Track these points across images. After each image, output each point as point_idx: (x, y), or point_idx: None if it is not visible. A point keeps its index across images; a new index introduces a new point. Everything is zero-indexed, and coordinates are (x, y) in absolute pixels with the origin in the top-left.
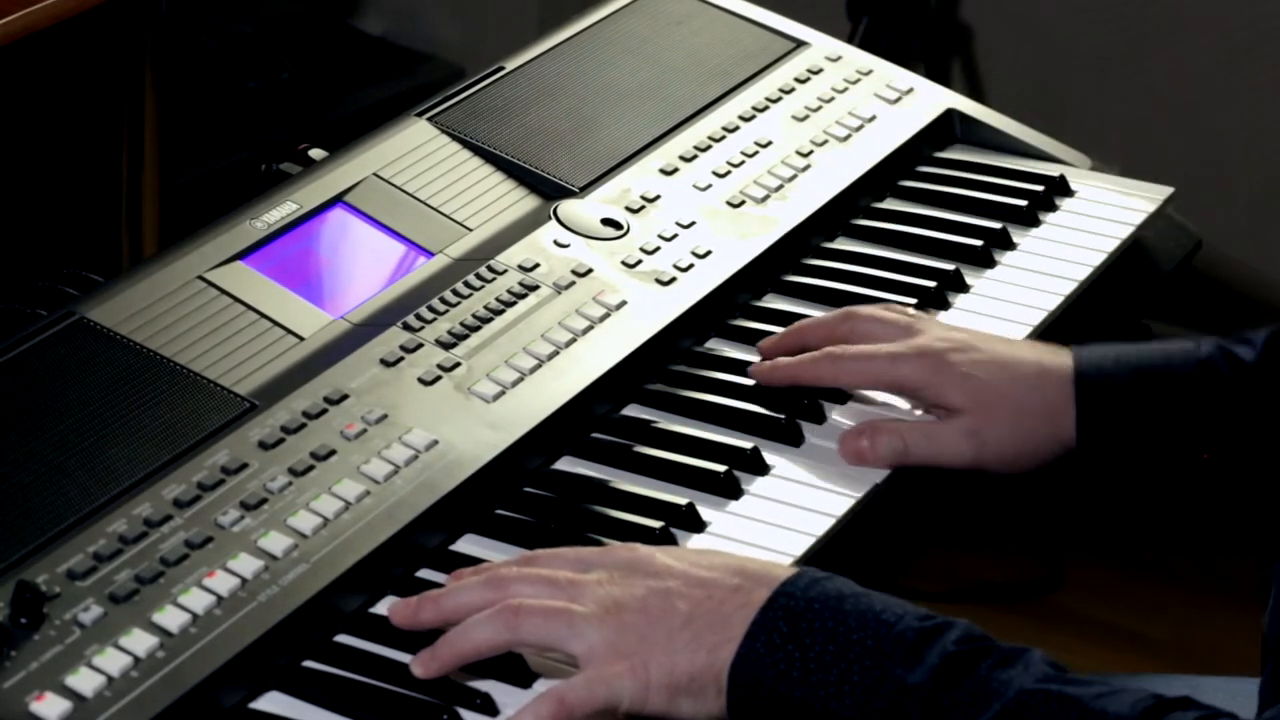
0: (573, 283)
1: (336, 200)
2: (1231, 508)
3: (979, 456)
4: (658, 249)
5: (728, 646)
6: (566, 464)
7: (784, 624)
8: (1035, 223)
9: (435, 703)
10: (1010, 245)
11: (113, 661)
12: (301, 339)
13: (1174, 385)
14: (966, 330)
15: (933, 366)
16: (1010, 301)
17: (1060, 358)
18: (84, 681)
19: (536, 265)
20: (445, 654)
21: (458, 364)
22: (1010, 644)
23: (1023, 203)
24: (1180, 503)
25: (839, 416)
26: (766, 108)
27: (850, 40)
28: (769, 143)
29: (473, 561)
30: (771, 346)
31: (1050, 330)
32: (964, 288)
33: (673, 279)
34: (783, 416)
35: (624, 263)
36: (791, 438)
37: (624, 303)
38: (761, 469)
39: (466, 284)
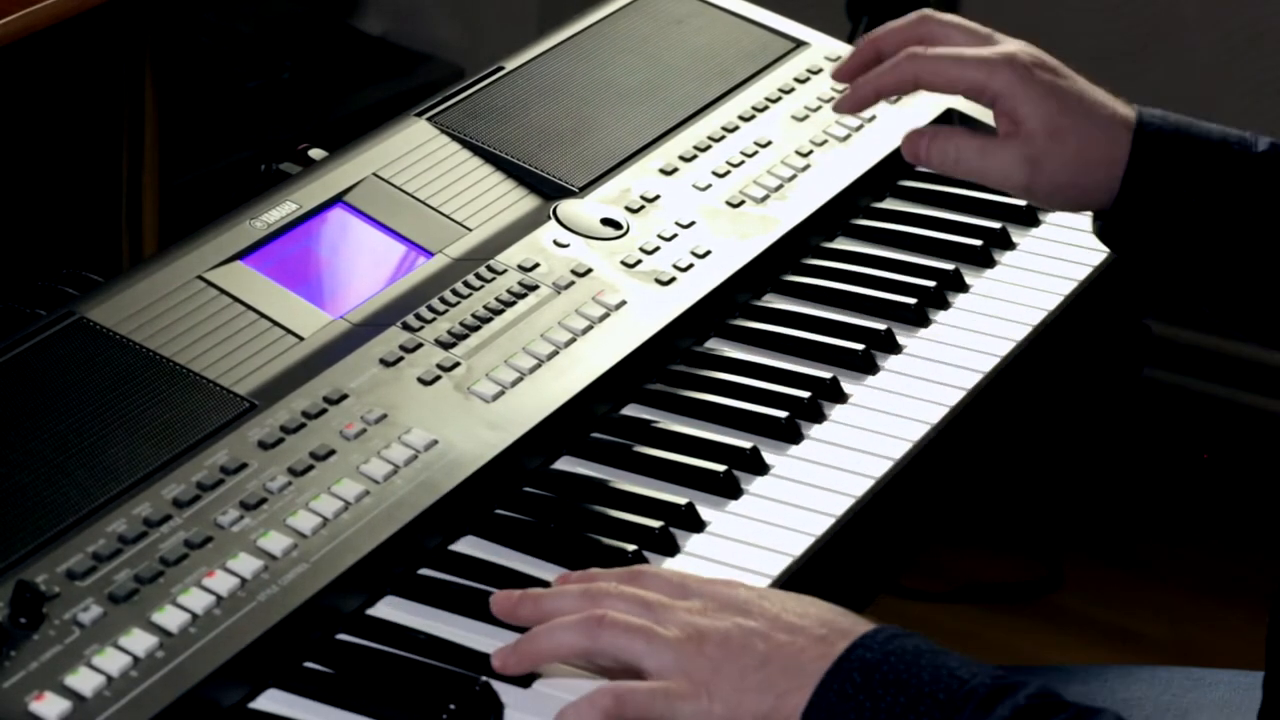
0: (572, 283)
1: (336, 200)
2: (1236, 503)
3: (1030, 183)
4: (657, 249)
5: (798, 694)
6: (566, 464)
7: (858, 674)
8: (1035, 222)
9: (435, 701)
10: (1010, 245)
11: (112, 661)
12: (301, 339)
13: (1224, 163)
14: (1046, 52)
15: (1020, 77)
16: (1010, 301)
17: (1131, 110)
18: (83, 681)
19: (536, 265)
20: (527, 651)
21: (457, 364)
22: (1085, 704)
23: (1022, 202)
24: (1180, 502)
25: (839, 416)
26: (766, 108)
27: (850, 40)
28: (769, 143)
29: (473, 561)
30: (846, 67)
31: (1050, 330)
32: (964, 287)
33: (672, 279)
34: (783, 415)
35: (624, 263)
36: (791, 436)
37: (624, 303)
38: (761, 469)
39: (466, 284)
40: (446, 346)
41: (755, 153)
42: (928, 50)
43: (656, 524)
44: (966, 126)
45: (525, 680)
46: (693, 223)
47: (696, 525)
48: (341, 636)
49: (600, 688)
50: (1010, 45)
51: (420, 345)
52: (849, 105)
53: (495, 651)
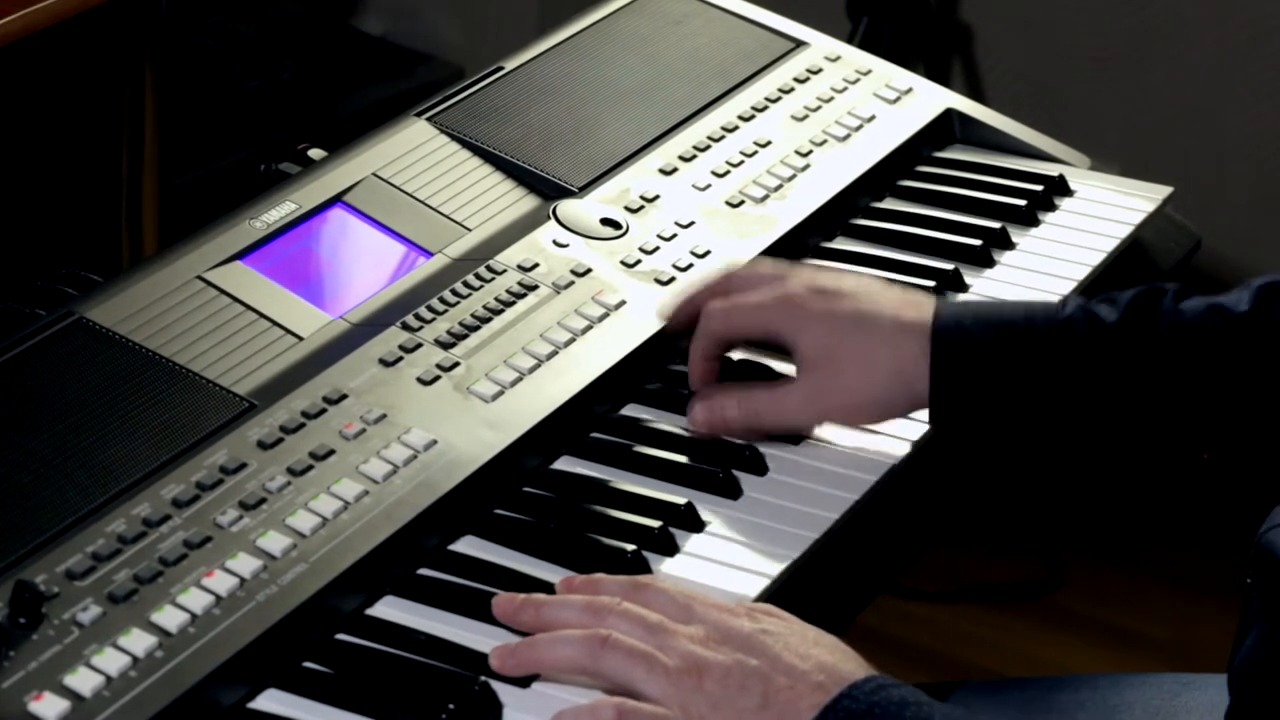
0: (572, 282)
1: (336, 200)
2: (1236, 503)
3: (822, 416)
4: (657, 249)
5: None
6: (566, 464)
7: None
8: (1035, 222)
9: (435, 702)
10: (1010, 245)
11: (111, 661)
12: (301, 339)
13: (1032, 344)
14: (839, 275)
15: (791, 313)
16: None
17: (921, 312)
18: (83, 681)
19: (536, 265)
20: (526, 658)
21: (457, 364)
22: None
23: (1022, 202)
24: (1180, 502)
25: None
26: (766, 108)
27: (850, 40)
28: (768, 143)
29: (472, 561)
30: (674, 320)
31: None
32: (963, 287)
33: (672, 279)
34: None
35: (623, 262)
36: (791, 436)
37: (623, 302)
38: (761, 469)
39: (466, 284)
40: (446, 346)
41: (755, 153)
42: (713, 308)
43: (656, 524)
44: (758, 382)
45: (524, 680)
46: (692, 223)
47: (696, 525)
48: (341, 636)
49: (603, 699)
50: (791, 281)
51: (420, 345)
52: (671, 323)
53: (494, 649)
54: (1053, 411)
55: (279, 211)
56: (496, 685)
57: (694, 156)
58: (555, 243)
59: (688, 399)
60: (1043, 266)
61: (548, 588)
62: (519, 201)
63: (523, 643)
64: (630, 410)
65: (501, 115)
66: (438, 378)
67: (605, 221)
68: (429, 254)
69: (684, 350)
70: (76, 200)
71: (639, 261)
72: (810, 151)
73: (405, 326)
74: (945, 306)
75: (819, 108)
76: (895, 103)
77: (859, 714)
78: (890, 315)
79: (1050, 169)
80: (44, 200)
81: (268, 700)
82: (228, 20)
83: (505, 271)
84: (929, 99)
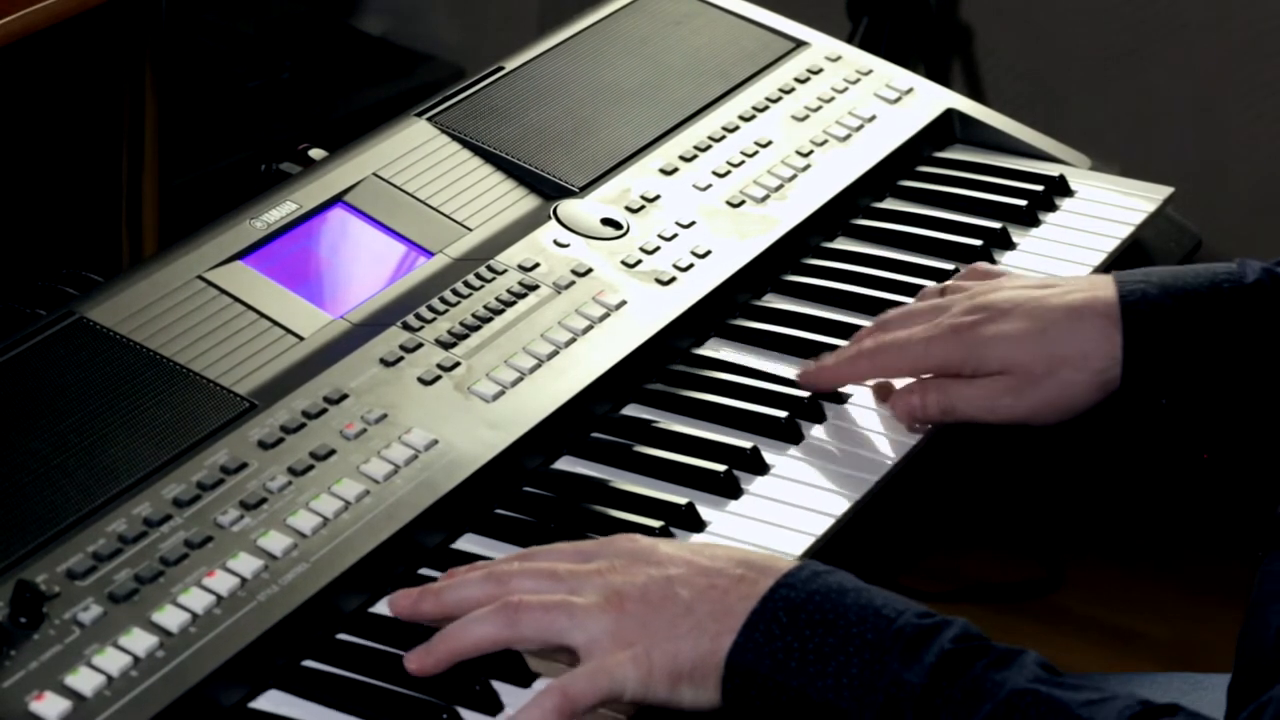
0: (572, 282)
1: (336, 200)
2: (1236, 503)
3: (1014, 414)
4: (657, 249)
5: (729, 635)
6: (566, 464)
7: (784, 614)
8: (1035, 223)
9: (435, 702)
10: (1010, 245)
11: (112, 661)
12: (301, 339)
13: (1221, 311)
14: (993, 285)
15: (967, 344)
16: None
17: (1099, 291)
18: (84, 681)
19: (536, 265)
20: (442, 650)
21: (458, 364)
22: (1006, 645)
23: (1022, 203)
24: (1180, 502)
25: (839, 416)
26: (766, 108)
27: (850, 40)
28: (769, 143)
29: (473, 561)
30: (827, 374)
31: None
32: None
33: (672, 279)
34: (783, 415)
35: (624, 262)
36: (791, 436)
37: (624, 302)
38: (761, 469)
39: (466, 284)
40: (447, 346)
41: (755, 153)
42: (879, 343)
43: (657, 524)
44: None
45: (524, 680)
46: (693, 223)
47: (696, 525)
48: (342, 636)
49: (544, 688)
50: (953, 310)
51: (420, 345)
52: (807, 382)
53: (409, 654)
54: (1246, 376)
55: (279, 211)
56: (497, 685)
57: (694, 156)
58: (556, 243)
59: (690, 400)
60: (1043, 267)
61: None
62: (520, 201)
63: (436, 636)
64: (631, 410)
65: (502, 115)
66: (438, 377)
67: (606, 221)
68: (429, 254)
69: (684, 351)
70: (76, 200)
71: (640, 261)
72: (811, 151)
73: (406, 326)
74: (1128, 285)
75: (819, 108)
76: (896, 103)
77: (799, 604)
78: (1062, 306)
79: (1050, 169)
80: (44, 200)
81: (269, 700)
82: (228, 20)
83: (506, 271)
84: (929, 99)
